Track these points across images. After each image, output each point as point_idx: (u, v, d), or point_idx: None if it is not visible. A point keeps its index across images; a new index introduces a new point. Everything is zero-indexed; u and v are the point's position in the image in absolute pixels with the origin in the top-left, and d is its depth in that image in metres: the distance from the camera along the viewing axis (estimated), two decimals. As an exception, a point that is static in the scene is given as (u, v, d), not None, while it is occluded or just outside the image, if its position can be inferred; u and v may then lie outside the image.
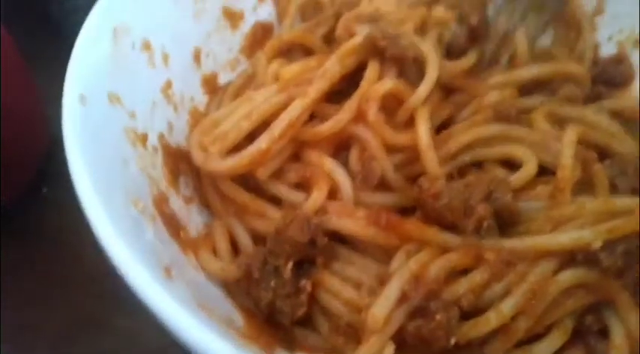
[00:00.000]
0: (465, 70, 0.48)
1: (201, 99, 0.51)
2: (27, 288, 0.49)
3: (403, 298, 0.35)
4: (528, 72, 0.49)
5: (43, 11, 0.62)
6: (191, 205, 0.46)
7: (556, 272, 0.37)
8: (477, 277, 0.36)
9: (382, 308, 0.34)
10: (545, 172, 0.43)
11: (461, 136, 0.43)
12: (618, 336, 0.37)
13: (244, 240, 0.43)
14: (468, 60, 0.48)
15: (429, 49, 0.44)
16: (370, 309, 0.34)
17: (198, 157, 0.43)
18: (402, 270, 0.36)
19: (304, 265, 0.40)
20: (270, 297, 0.38)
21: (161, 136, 0.45)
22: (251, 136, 0.44)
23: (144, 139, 0.42)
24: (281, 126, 0.42)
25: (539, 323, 0.37)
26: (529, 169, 0.42)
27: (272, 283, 0.38)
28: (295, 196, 0.43)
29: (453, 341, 0.35)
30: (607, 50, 0.57)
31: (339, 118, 0.43)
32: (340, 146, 0.45)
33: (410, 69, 0.45)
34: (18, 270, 0.50)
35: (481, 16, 0.57)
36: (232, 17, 0.53)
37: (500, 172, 0.43)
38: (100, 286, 0.45)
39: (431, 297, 0.35)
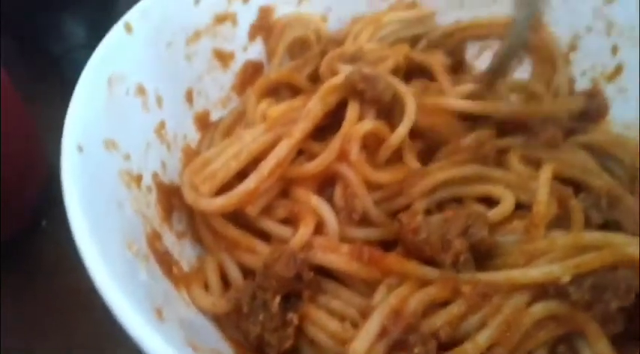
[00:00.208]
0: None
1: (193, 136, 0.53)
2: (25, 318, 0.50)
3: (383, 332, 0.37)
4: (506, 110, 0.51)
5: (44, 48, 0.64)
6: (184, 240, 0.47)
7: (529, 304, 0.38)
8: (454, 309, 0.38)
9: (363, 342, 0.36)
10: (521, 207, 0.44)
11: (439, 173, 0.45)
12: (590, 364, 0.39)
13: (234, 274, 0.45)
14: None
15: (406, 90, 0.46)
16: (351, 343, 0.36)
17: (189, 196, 0.45)
18: (383, 305, 0.38)
19: (291, 298, 0.42)
20: (258, 330, 0.40)
21: (155, 175, 0.47)
22: (242, 173, 0.46)
23: (138, 179, 0.44)
24: (269, 166, 0.44)
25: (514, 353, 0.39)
26: (506, 205, 0.43)
27: (260, 317, 0.40)
28: (283, 231, 0.45)
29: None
30: (581, 85, 0.59)
31: (324, 157, 0.45)
32: (326, 182, 0.47)
33: (390, 108, 0.47)
34: (17, 301, 0.51)
35: (461, 54, 0.60)
36: (223, 58, 0.55)
37: (478, 207, 0.45)
38: (95, 317, 0.47)
39: (409, 330, 0.37)
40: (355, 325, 0.39)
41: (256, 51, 0.58)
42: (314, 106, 0.47)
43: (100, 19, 0.62)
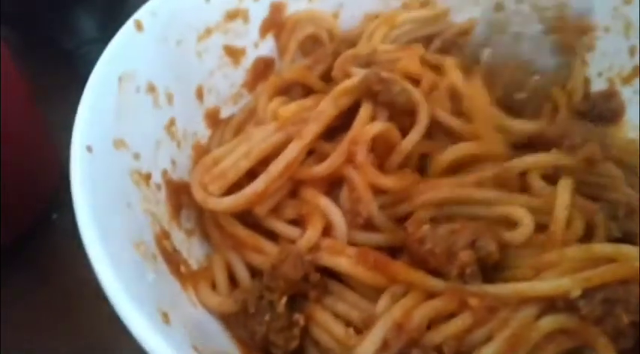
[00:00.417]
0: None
1: (203, 133, 0.52)
2: (32, 319, 0.50)
3: (385, 346, 0.36)
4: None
5: (56, 43, 0.63)
6: (192, 238, 0.47)
7: (538, 318, 0.37)
8: (459, 322, 0.37)
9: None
10: (542, 228, 0.41)
11: (446, 188, 0.43)
12: (600, 379, 0.38)
13: (242, 274, 0.44)
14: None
15: (420, 97, 0.45)
16: (353, 356, 0.36)
17: (198, 195, 0.44)
18: (385, 317, 0.37)
19: (298, 299, 0.41)
20: (264, 330, 0.40)
21: (164, 173, 0.46)
22: (251, 172, 0.45)
23: (148, 178, 0.43)
24: (278, 168, 0.43)
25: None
26: (525, 227, 0.41)
27: (266, 317, 0.40)
28: (291, 231, 0.44)
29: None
30: (597, 86, 0.57)
31: (332, 160, 0.44)
32: (335, 183, 0.46)
33: (402, 113, 0.46)
34: (26, 297, 0.51)
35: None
36: (234, 54, 0.54)
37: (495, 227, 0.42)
38: (105, 312, 0.47)
39: (412, 344, 0.36)
40: (359, 331, 0.39)
41: (267, 47, 0.56)
42: (326, 108, 0.46)
43: (111, 13, 0.62)
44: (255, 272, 0.44)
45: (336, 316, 0.41)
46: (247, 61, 0.55)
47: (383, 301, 0.39)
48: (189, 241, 0.46)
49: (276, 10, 0.56)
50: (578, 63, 0.55)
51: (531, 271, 0.40)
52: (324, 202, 0.44)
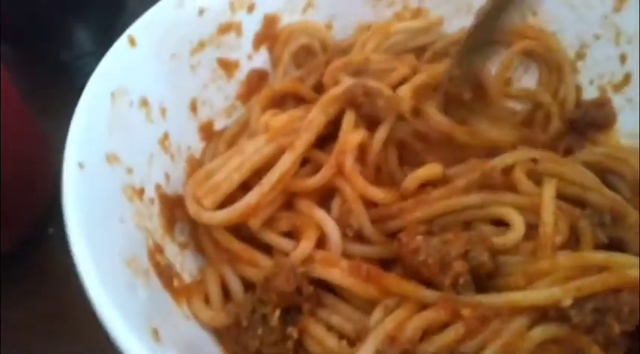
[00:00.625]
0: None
1: (197, 146, 0.52)
2: (30, 325, 0.50)
3: (377, 358, 0.36)
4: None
5: (52, 57, 0.63)
6: (186, 251, 0.46)
7: (529, 328, 0.37)
8: (452, 333, 0.37)
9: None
10: (532, 228, 0.42)
11: (437, 203, 0.43)
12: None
13: (236, 287, 0.44)
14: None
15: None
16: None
17: (191, 209, 0.44)
18: (377, 330, 0.37)
19: (292, 312, 0.41)
20: (257, 344, 0.39)
21: (158, 187, 0.46)
22: (245, 185, 0.45)
23: (141, 192, 0.43)
24: (271, 180, 0.43)
25: (513, 377, 0.38)
26: (516, 231, 0.41)
27: (259, 331, 0.39)
28: (286, 244, 0.44)
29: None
30: (589, 94, 0.57)
31: (324, 172, 0.44)
32: (328, 195, 0.46)
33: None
34: (23, 307, 0.51)
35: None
36: (228, 67, 0.54)
37: (488, 229, 0.43)
38: (99, 324, 0.47)
39: (405, 356, 0.36)
40: (352, 344, 0.38)
41: (261, 60, 0.56)
42: (315, 117, 0.46)
43: (108, 25, 0.61)
44: (249, 286, 0.44)
45: (330, 328, 0.41)
46: (241, 74, 0.55)
47: (376, 314, 0.39)
48: (183, 254, 0.46)
49: (269, 23, 0.56)
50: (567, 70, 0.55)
51: (523, 279, 0.39)
52: (319, 214, 0.44)
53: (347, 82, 0.48)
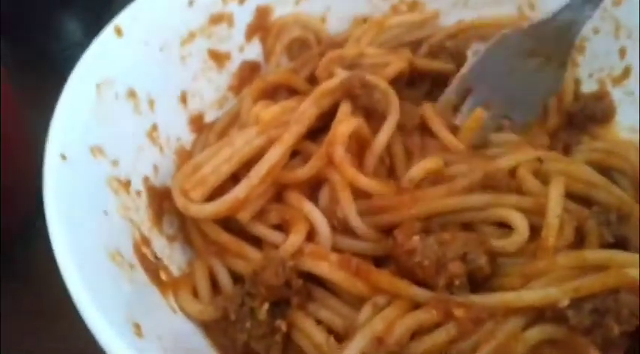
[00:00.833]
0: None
1: (187, 138, 0.50)
2: (19, 322, 0.48)
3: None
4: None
5: (41, 46, 0.61)
6: (175, 244, 0.45)
7: (525, 329, 0.35)
8: (444, 334, 0.35)
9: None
10: (536, 230, 0.40)
11: (436, 201, 0.41)
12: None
13: (224, 280, 0.42)
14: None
15: (395, 101, 0.43)
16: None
17: (179, 202, 0.42)
18: (365, 330, 0.35)
19: (281, 305, 0.39)
20: (245, 338, 0.38)
21: (146, 179, 0.44)
22: (235, 177, 0.43)
23: (127, 185, 0.41)
24: (260, 173, 0.41)
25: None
26: (520, 235, 0.39)
27: (247, 324, 0.38)
28: (275, 236, 0.42)
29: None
30: (588, 87, 0.55)
31: (313, 163, 0.42)
32: (319, 186, 0.44)
33: (380, 117, 0.44)
34: (11, 304, 0.50)
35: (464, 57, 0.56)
36: (218, 58, 0.52)
37: (489, 230, 0.41)
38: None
39: (392, 358, 0.34)
40: (340, 340, 0.37)
41: (253, 51, 0.54)
42: (307, 109, 0.44)
43: (98, 15, 0.59)
44: (238, 279, 0.42)
45: (319, 322, 0.39)
46: (233, 65, 0.53)
47: (365, 311, 0.37)
48: (171, 247, 0.44)
49: (261, 14, 0.54)
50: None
51: (520, 280, 0.38)
52: (308, 206, 0.42)
53: (342, 74, 0.46)
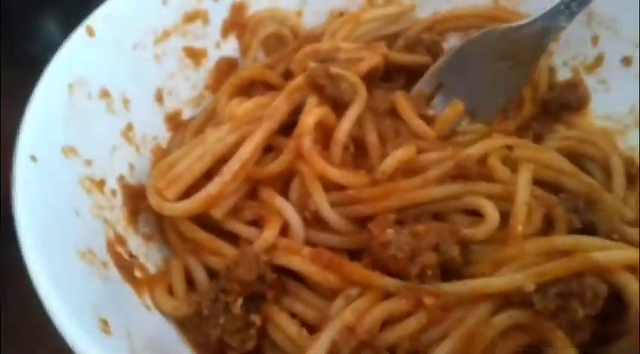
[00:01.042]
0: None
1: (164, 136, 0.50)
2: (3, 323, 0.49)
3: (333, 349, 0.34)
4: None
5: (20, 47, 0.61)
6: (151, 242, 0.45)
7: (493, 315, 0.35)
8: (414, 322, 0.35)
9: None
10: (507, 217, 0.40)
11: (409, 194, 0.41)
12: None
13: (201, 277, 0.42)
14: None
15: (362, 89, 0.43)
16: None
17: (153, 200, 0.42)
18: (336, 321, 0.35)
19: (256, 299, 0.39)
20: (218, 333, 0.38)
21: (121, 178, 0.44)
22: (210, 173, 0.43)
23: (101, 184, 0.41)
24: (232, 169, 0.41)
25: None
26: (490, 223, 0.39)
27: (221, 320, 0.38)
28: (250, 232, 0.42)
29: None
30: (563, 75, 0.55)
31: (283, 157, 0.42)
32: (291, 180, 0.44)
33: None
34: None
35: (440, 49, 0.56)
36: (195, 56, 0.52)
37: (460, 219, 0.41)
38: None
39: (362, 347, 0.34)
40: (313, 332, 0.37)
41: (230, 48, 0.54)
42: (280, 104, 0.44)
43: (74, 17, 0.59)
44: (215, 276, 0.42)
45: (294, 316, 0.39)
46: (209, 63, 0.53)
47: (337, 303, 0.37)
48: (148, 246, 0.44)
49: (237, 10, 0.54)
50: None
51: (490, 267, 0.38)
52: (279, 202, 0.42)
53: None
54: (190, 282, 0.42)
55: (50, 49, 0.59)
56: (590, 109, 0.53)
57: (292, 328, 0.38)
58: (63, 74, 0.41)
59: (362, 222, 0.41)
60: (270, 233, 0.41)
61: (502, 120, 0.50)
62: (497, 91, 0.51)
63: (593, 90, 0.53)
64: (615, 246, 0.37)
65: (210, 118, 0.50)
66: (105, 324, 0.32)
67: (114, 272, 0.38)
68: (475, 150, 0.43)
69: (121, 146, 0.45)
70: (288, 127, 0.45)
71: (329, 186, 0.42)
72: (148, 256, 0.43)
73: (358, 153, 0.45)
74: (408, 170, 0.43)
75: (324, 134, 0.44)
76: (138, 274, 0.41)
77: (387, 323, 0.36)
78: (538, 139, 0.49)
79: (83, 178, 0.40)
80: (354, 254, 0.41)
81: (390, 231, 0.38)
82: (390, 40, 0.56)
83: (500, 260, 0.38)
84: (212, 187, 0.41)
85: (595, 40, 0.53)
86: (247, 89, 0.51)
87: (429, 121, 0.47)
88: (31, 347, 0.47)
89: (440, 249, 0.38)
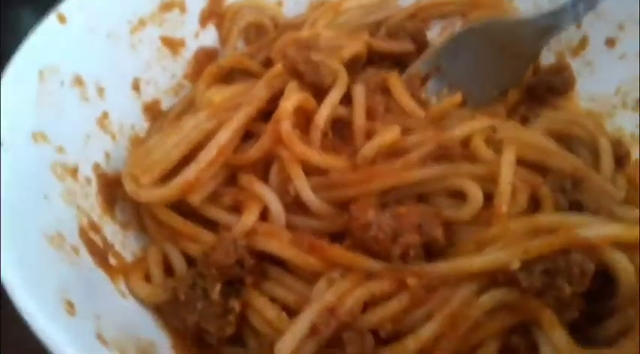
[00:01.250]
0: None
1: (142, 125, 0.49)
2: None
3: (313, 331, 0.32)
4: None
5: None
6: (128, 230, 0.43)
7: (478, 294, 0.34)
8: (396, 303, 0.34)
9: (288, 343, 0.32)
10: (491, 198, 0.38)
11: (391, 177, 0.39)
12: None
13: (179, 264, 0.41)
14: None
15: (343, 74, 0.42)
16: (276, 344, 0.32)
17: (129, 187, 0.40)
18: (315, 303, 0.34)
19: (235, 284, 0.38)
20: (195, 319, 0.36)
21: (96, 166, 0.43)
22: (188, 159, 0.42)
23: (74, 171, 0.40)
24: (209, 155, 0.40)
25: (463, 345, 0.34)
26: (473, 203, 0.38)
27: (199, 305, 0.36)
28: (228, 218, 0.41)
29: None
30: (547, 59, 0.54)
31: (262, 142, 0.40)
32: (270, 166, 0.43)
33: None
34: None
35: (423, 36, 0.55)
36: (172, 45, 0.51)
37: (443, 201, 0.40)
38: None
39: (343, 329, 0.32)
40: (292, 315, 0.35)
41: (209, 37, 0.53)
42: (259, 91, 0.43)
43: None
44: (193, 263, 0.41)
45: (274, 300, 0.38)
46: (188, 52, 0.52)
47: (319, 286, 0.36)
48: (125, 234, 0.43)
49: None
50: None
51: (474, 247, 0.36)
52: (259, 187, 0.41)
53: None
54: (168, 270, 0.41)
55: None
56: (577, 92, 0.52)
57: (271, 311, 0.36)
58: (33, 60, 0.40)
59: (343, 205, 0.40)
60: (249, 218, 0.39)
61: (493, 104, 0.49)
62: (493, 81, 0.50)
63: (578, 73, 0.52)
64: (600, 222, 0.35)
65: (188, 108, 0.49)
66: (70, 306, 0.31)
67: (86, 258, 0.36)
68: (459, 131, 0.42)
69: (96, 134, 0.44)
70: (269, 114, 0.44)
71: (309, 170, 0.40)
72: (125, 244, 0.42)
73: (344, 134, 0.43)
74: (391, 152, 0.42)
75: (305, 120, 0.42)
76: (113, 261, 0.39)
77: (369, 305, 0.35)
78: (524, 122, 0.48)
79: (55, 164, 0.38)
80: (335, 237, 0.40)
81: (371, 212, 0.37)
82: (372, 28, 0.55)
83: (484, 240, 0.36)
84: (188, 173, 0.40)
85: (578, 22, 0.52)
86: (227, 78, 0.49)
87: (421, 103, 0.46)
88: (31, 347, 0.45)
89: (423, 230, 0.36)
